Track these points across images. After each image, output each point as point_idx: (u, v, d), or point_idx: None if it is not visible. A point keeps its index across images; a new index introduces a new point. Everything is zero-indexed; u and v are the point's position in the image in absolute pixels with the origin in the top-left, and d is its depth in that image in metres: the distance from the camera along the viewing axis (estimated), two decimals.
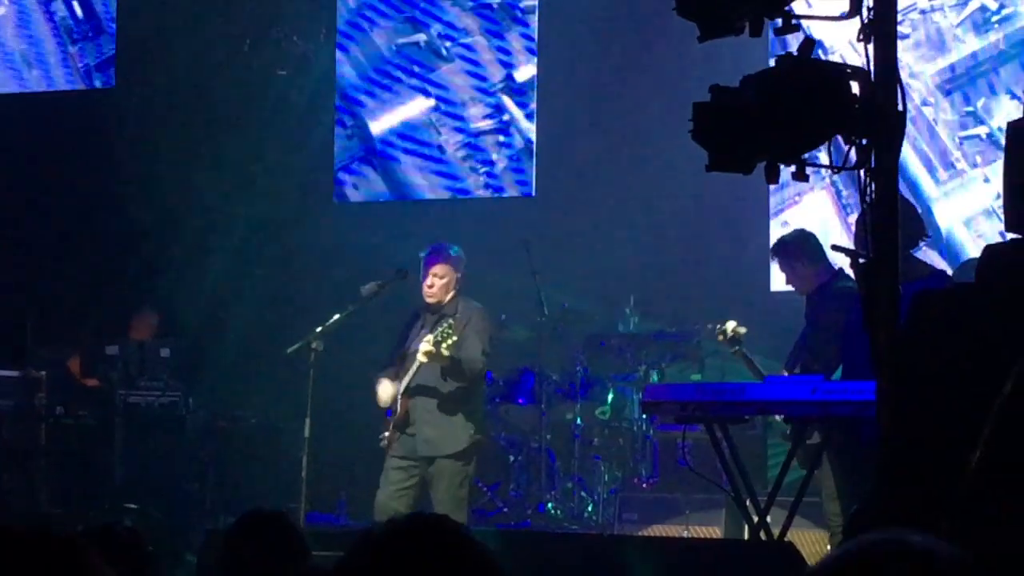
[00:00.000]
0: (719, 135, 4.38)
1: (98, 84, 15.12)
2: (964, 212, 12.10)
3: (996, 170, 12.09)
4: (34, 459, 11.70)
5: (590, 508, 11.08)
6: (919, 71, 12.25)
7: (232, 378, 12.89)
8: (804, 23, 4.89)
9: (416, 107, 14.45)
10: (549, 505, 11.00)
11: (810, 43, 4.41)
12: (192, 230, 13.74)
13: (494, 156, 14.18)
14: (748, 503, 7.61)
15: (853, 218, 12.34)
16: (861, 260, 4.43)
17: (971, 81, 12.38)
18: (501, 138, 14.17)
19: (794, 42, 5.00)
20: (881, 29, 4.50)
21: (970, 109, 12.37)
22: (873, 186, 4.43)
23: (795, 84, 4.34)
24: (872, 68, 4.48)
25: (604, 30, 12.84)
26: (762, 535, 7.43)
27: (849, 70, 4.50)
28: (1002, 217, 12.38)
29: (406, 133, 14.43)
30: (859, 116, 4.42)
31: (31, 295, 13.32)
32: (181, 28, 14.02)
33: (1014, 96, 12.30)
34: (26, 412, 11.73)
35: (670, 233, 12.39)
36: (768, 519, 7.49)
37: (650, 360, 11.23)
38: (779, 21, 4.51)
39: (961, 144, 12.26)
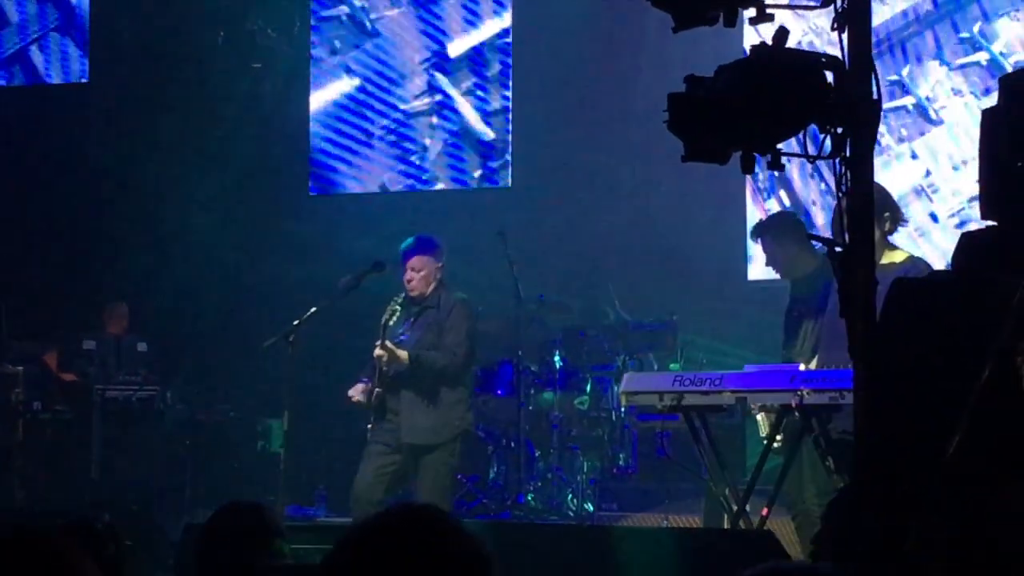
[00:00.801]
0: (694, 126, 4.37)
1: (1, 83, 14.79)
2: (890, 191, 11.53)
3: (924, 145, 11.67)
4: (11, 455, 11.67)
5: (569, 498, 11.09)
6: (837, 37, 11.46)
7: (210, 372, 12.87)
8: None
9: (338, 88, 13.86)
10: (529, 496, 10.99)
11: (784, 32, 4.41)
12: (167, 223, 13.70)
13: (427, 141, 13.49)
14: (727, 492, 7.63)
15: (771, 203, 12.27)
16: (837, 249, 4.43)
17: (896, 46, 11.75)
18: (435, 120, 13.52)
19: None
20: (855, 18, 4.50)
21: (895, 78, 11.78)
22: (848, 175, 4.43)
23: (770, 74, 4.34)
24: (847, 57, 4.48)
25: (582, 17, 12.76)
26: (741, 524, 7.45)
27: (824, 59, 4.50)
28: (932, 197, 12.16)
29: (327, 118, 13.84)
30: (834, 105, 4.42)
31: (5, 290, 13.26)
32: (155, 21, 13.98)
33: (943, 62, 11.77)
34: (2, 407, 11.70)
35: (647, 223, 12.40)
36: (747, 508, 7.52)
37: (628, 350, 11.24)
38: (753, 10, 4.51)
39: (886, 117, 11.79)
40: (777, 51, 4.39)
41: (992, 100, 11.91)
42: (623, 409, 10.82)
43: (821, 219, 11.96)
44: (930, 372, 4.08)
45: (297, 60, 14.05)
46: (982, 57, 11.71)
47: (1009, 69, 11.56)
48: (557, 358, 11.30)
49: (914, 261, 7.70)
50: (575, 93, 12.87)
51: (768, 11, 4.49)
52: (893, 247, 7.70)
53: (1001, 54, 11.67)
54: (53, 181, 14.07)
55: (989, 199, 4.52)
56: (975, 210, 11.45)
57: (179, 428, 11.92)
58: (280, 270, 13.15)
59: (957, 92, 11.77)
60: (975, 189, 11.35)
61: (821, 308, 8.02)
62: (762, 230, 8.92)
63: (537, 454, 11.26)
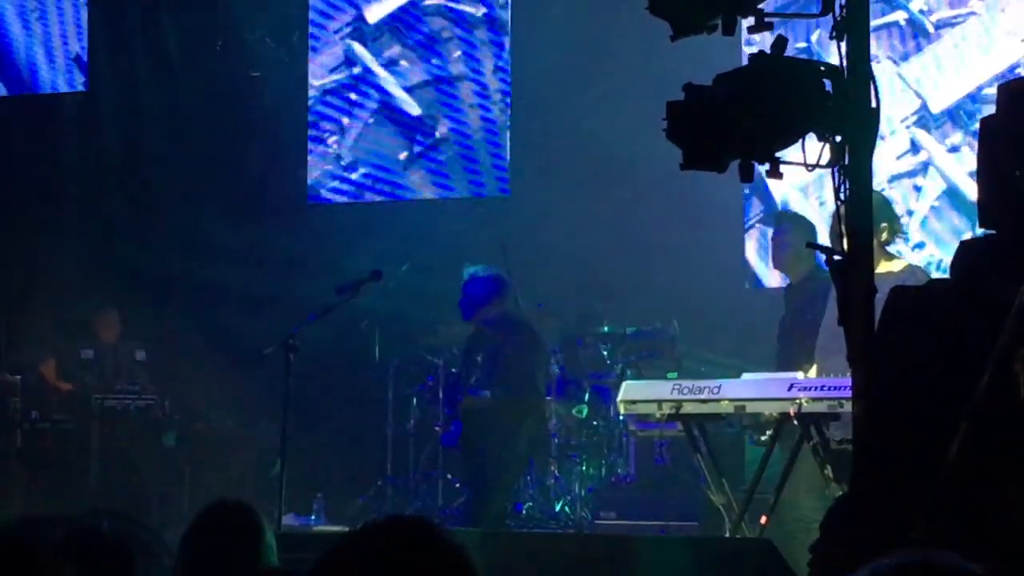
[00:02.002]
0: (693, 134, 4.39)
1: None
2: (800, 178, 10.49)
3: None
4: (10, 464, 11.66)
5: (568, 507, 11.08)
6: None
7: (208, 381, 12.85)
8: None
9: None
10: (527, 504, 10.99)
11: (783, 41, 4.42)
12: (166, 233, 13.70)
13: (345, 121, 12.62)
14: (726, 500, 7.63)
15: None
16: (836, 257, 4.44)
17: (803, 8, 10.26)
18: (354, 96, 12.62)
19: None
20: (853, 26, 4.52)
21: (802, 45, 10.62)
22: (847, 183, 4.44)
23: (768, 82, 4.35)
24: (845, 65, 4.49)
25: (579, 26, 12.70)
26: (741, 532, 7.45)
27: (822, 67, 4.51)
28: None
29: None
30: (832, 113, 4.43)
31: (1, 301, 13.27)
32: (154, 30, 13.98)
33: None
34: (1, 417, 11.68)
35: (645, 231, 12.37)
36: (746, 515, 7.52)
37: (626, 359, 11.23)
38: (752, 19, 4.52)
39: None
40: (775, 60, 4.40)
41: (913, 65, 11.49)
42: (622, 417, 10.81)
43: None
44: (928, 380, 4.08)
45: (297, 69, 14.02)
46: (900, 17, 10.98)
47: (930, 29, 10.95)
48: (555, 367, 11.29)
49: (912, 270, 7.71)
50: (573, 102, 12.83)
51: (767, 20, 4.50)
52: (891, 256, 7.71)
53: (921, 12, 10.95)
54: (50, 189, 14.06)
55: (987, 207, 4.52)
56: (896, 191, 11.24)
57: (177, 437, 11.90)
58: (279, 279, 13.13)
59: (873, 58, 11.29)
60: (896, 167, 11.23)
61: (814, 319, 8.05)
62: (788, 219, 9.00)
63: (536, 463, 11.25)
